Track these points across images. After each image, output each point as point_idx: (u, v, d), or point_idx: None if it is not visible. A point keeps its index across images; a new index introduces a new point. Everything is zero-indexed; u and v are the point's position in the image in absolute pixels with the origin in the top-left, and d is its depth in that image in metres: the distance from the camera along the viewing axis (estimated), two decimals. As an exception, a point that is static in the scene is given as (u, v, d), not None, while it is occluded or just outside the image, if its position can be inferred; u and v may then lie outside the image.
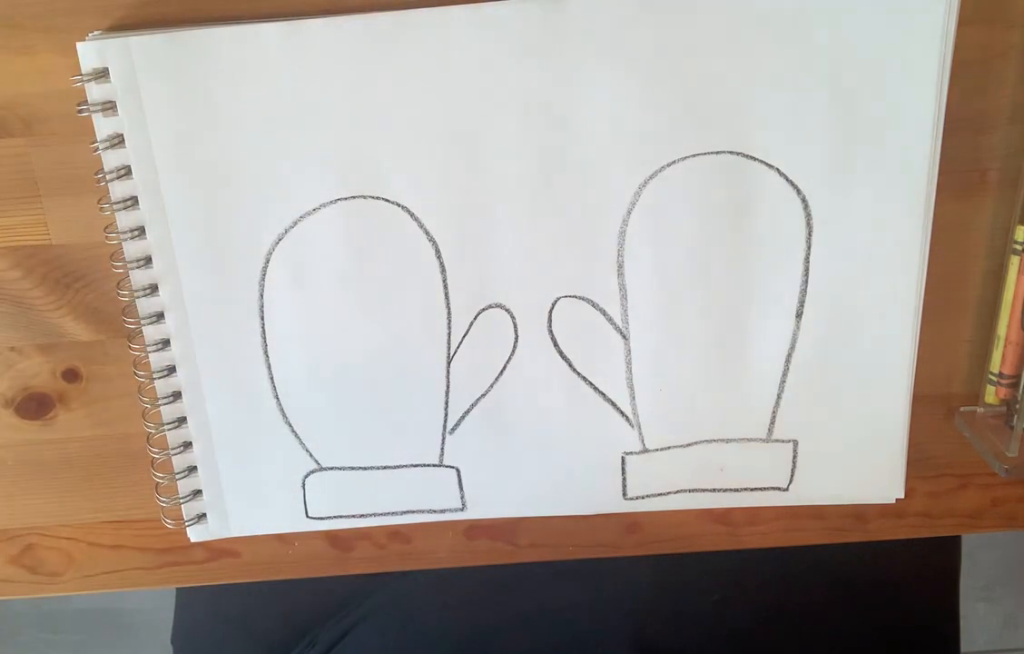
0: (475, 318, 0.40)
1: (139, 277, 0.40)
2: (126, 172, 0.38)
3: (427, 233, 0.39)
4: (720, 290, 0.39)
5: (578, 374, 0.41)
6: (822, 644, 0.52)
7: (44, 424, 0.44)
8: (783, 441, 0.42)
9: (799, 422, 0.42)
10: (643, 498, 0.43)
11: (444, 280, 0.40)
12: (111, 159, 0.38)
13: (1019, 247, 0.39)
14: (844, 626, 0.53)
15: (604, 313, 0.40)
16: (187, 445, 0.43)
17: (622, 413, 0.42)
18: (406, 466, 0.43)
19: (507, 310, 0.40)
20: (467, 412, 0.42)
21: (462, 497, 0.44)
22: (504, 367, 0.41)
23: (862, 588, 0.53)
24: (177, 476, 0.44)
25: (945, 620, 0.58)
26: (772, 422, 0.42)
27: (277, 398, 0.42)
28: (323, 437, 0.43)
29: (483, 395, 0.42)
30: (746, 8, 0.35)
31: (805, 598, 0.52)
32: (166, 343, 0.41)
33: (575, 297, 0.40)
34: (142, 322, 0.41)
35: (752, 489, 0.43)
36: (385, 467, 0.43)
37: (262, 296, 0.40)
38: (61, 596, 0.47)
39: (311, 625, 0.55)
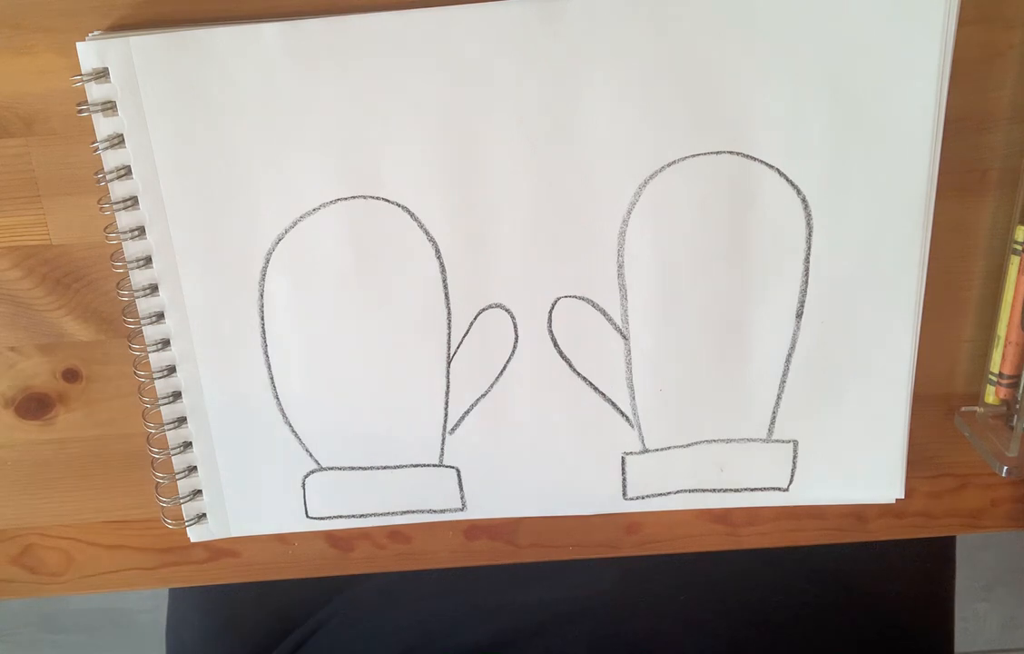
0: (475, 318, 0.40)
1: (139, 277, 0.40)
2: (126, 172, 0.38)
3: (427, 233, 0.39)
4: (720, 290, 0.39)
5: (578, 374, 0.41)
6: (814, 645, 0.52)
7: (44, 424, 0.44)
8: (783, 441, 0.42)
9: (799, 422, 0.42)
10: (643, 498, 0.43)
11: (444, 280, 0.40)
12: (111, 159, 0.38)
13: (1019, 247, 0.39)
14: (836, 627, 0.53)
15: (604, 313, 0.40)
16: (187, 445, 0.43)
17: (622, 413, 0.42)
18: (406, 466, 0.43)
19: (507, 310, 0.40)
20: (467, 412, 0.42)
21: (462, 497, 0.44)
22: (504, 367, 0.41)
23: (854, 589, 0.53)
24: (177, 476, 0.44)
25: (939, 621, 0.58)
26: (772, 422, 0.42)
27: (277, 398, 0.42)
28: (323, 437, 0.43)
29: (483, 395, 0.42)
30: (746, 9, 0.35)
31: (798, 599, 0.52)
32: (166, 343, 0.41)
33: (575, 297, 0.40)
34: (142, 322, 0.41)
35: (752, 489, 0.43)
36: (385, 467, 0.43)
37: (262, 296, 0.40)
38: (61, 596, 0.47)
39: (295, 622, 0.55)
